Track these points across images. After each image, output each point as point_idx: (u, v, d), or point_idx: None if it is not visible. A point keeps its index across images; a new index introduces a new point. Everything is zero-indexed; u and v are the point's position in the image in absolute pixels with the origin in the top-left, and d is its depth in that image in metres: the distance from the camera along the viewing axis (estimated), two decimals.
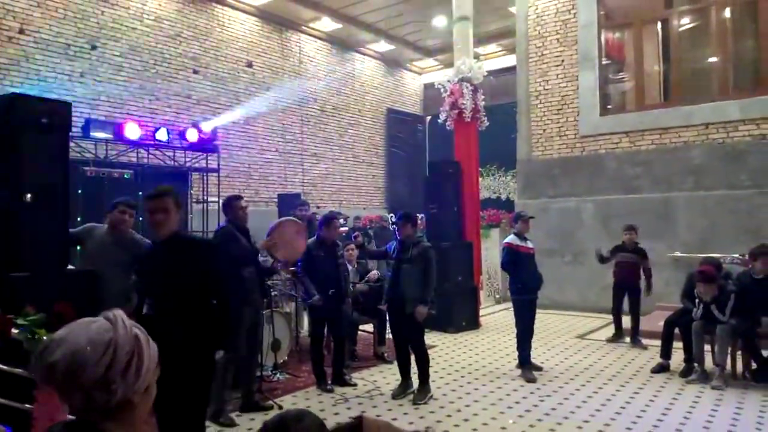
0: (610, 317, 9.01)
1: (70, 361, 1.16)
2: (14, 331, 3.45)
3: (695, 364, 5.93)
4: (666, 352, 6.25)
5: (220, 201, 5.35)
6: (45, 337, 3.41)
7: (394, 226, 5.80)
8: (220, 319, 3.31)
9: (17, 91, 7.69)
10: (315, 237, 5.94)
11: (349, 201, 15.48)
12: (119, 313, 1.26)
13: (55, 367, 1.16)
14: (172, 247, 3.32)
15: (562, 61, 10.56)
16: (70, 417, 1.48)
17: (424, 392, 5.37)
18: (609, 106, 10.48)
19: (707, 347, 6.00)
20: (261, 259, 5.28)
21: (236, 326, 4.86)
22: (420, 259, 5.43)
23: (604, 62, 10.40)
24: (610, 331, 7.85)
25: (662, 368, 6.20)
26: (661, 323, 6.49)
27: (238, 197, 5.22)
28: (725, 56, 9.43)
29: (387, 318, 6.84)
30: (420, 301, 5.34)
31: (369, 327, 7.11)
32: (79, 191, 7.98)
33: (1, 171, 4.11)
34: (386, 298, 5.78)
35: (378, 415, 4.83)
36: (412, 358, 5.56)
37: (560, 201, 10.39)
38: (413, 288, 5.38)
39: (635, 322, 7.50)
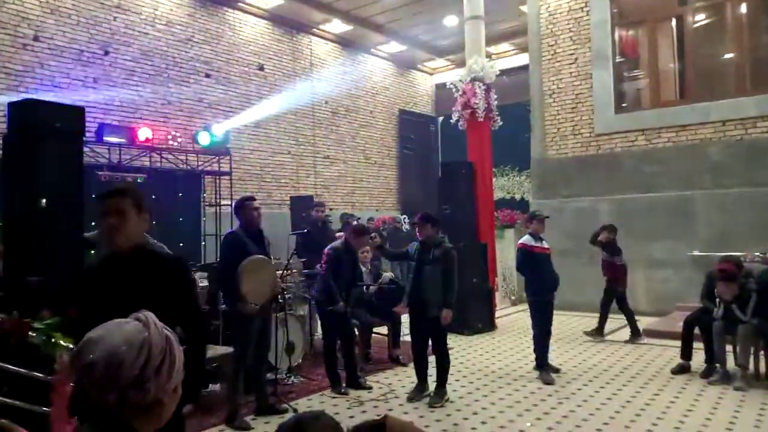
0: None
1: (107, 361, 1.19)
2: (31, 334, 3.46)
3: (717, 365, 5.83)
4: (686, 353, 6.15)
5: (233, 204, 5.27)
6: (62, 341, 3.42)
7: (415, 226, 5.73)
8: (190, 366, 2.40)
9: (32, 97, 7.74)
10: (343, 241, 5.93)
11: (361, 203, 15.45)
12: (149, 314, 1.30)
13: (94, 367, 1.19)
14: (130, 264, 2.51)
15: (576, 59, 10.47)
16: None
17: (440, 395, 5.32)
18: (624, 104, 10.37)
19: (729, 347, 5.89)
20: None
21: (245, 332, 4.84)
22: (442, 261, 5.33)
23: (618, 60, 10.30)
24: (628, 332, 7.76)
25: (683, 369, 6.10)
26: (681, 323, 6.40)
27: (251, 198, 5.13)
28: (741, 52, 9.31)
29: (401, 320, 6.82)
30: (443, 304, 5.26)
31: (384, 329, 7.07)
32: (93, 196, 8.03)
33: (16, 176, 4.13)
34: (407, 301, 5.64)
35: None
36: (430, 360, 5.50)
37: (576, 201, 10.29)
38: (435, 290, 5.29)
39: (604, 317, 7.87)
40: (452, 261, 5.36)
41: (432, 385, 5.44)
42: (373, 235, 6.22)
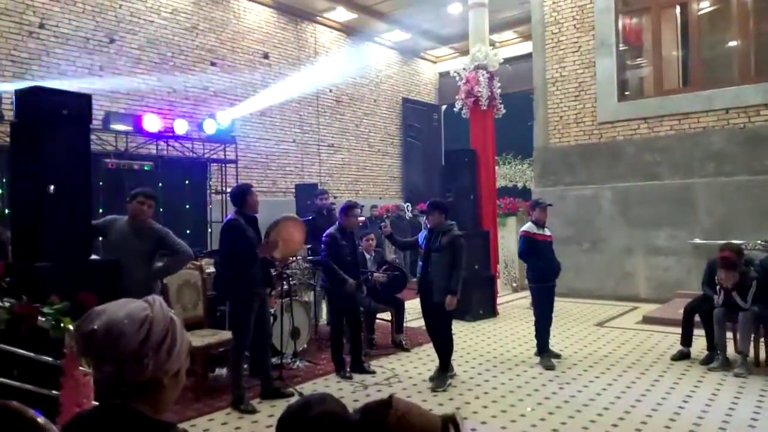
0: (630, 305, 9.01)
1: (108, 331, 1.22)
2: (40, 319, 3.52)
3: (717, 352, 5.86)
4: (687, 340, 6.20)
5: (234, 190, 5.36)
6: (70, 326, 3.49)
7: (424, 214, 5.80)
8: None
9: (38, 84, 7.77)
10: (336, 225, 5.98)
11: (365, 191, 15.50)
12: (158, 298, 1.32)
13: (94, 335, 1.22)
14: None
15: (579, 47, 10.45)
16: (95, 403, 1.50)
17: (442, 379, 5.39)
18: (627, 92, 10.37)
19: (729, 334, 5.92)
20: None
21: (244, 317, 4.92)
22: (449, 248, 5.35)
23: (621, 48, 10.27)
24: (631, 318, 7.81)
25: (683, 355, 6.14)
26: (681, 311, 6.44)
27: (252, 186, 5.25)
28: (746, 40, 9.27)
29: (404, 306, 6.90)
30: (448, 290, 5.31)
31: (387, 315, 7.14)
32: (101, 183, 8.11)
33: (24, 163, 4.18)
34: (417, 288, 5.71)
35: None
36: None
37: (578, 188, 10.31)
38: (441, 277, 5.34)
39: None
40: (459, 249, 5.36)
41: (454, 367, 5.58)
42: (383, 224, 6.25)
